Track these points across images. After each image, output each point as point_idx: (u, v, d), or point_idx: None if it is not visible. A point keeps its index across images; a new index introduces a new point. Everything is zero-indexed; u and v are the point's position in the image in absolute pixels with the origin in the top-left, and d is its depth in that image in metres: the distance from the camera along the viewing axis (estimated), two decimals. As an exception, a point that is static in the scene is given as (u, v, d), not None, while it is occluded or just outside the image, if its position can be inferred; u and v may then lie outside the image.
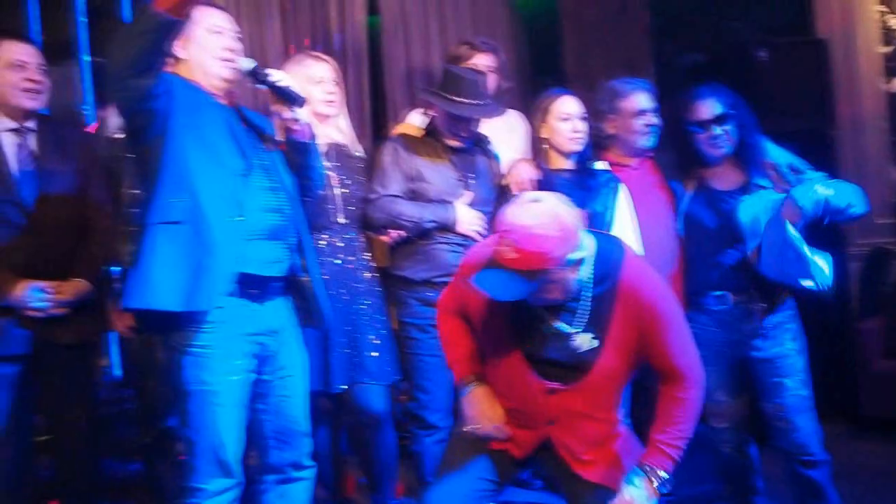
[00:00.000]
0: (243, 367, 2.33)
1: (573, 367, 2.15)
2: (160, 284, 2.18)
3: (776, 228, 2.68)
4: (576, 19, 4.81)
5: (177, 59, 2.38)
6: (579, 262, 2.05)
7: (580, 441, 2.19)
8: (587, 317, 2.12)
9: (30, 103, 2.76)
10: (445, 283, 2.74)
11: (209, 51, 2.38)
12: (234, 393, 2.31)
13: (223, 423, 2.29)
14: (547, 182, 2.89)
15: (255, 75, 2.38)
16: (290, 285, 2.45)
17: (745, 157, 2.85)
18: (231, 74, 2.40)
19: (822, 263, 2.69)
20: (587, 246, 2.09)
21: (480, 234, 2.89)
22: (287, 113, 2.39)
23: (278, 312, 2.43)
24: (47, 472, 2.93)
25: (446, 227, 2.90)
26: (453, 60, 3.31)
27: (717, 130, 2.80)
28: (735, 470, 2.95)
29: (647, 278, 2.18)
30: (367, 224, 2.98)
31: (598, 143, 3.05)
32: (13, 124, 2.77)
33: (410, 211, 2.89)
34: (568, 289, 2.06)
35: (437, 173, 2.94)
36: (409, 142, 3.00)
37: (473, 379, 2.28)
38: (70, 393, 2.83)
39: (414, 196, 2.94)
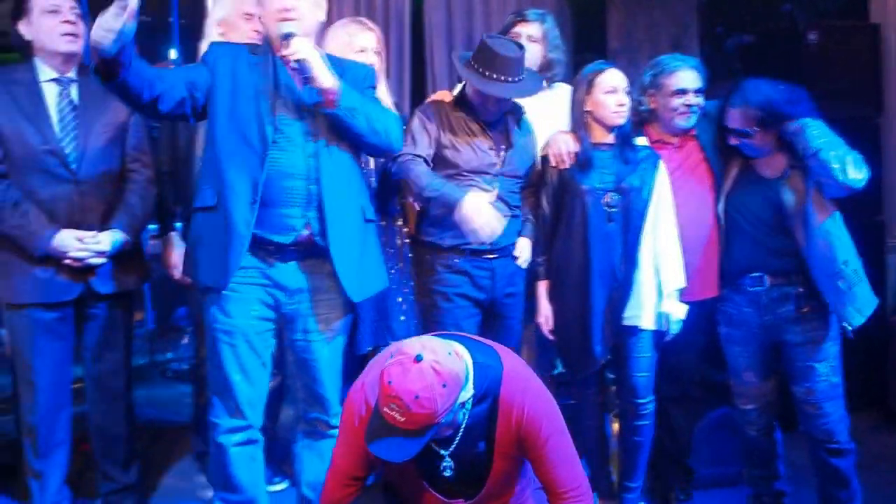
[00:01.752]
0: (255, 315, 2.46)
1: (472, 482, 2.17)
2: (198, 262, 2.48)
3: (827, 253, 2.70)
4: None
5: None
6: (464, 401, 2.03)
7: None
8: (464, 436, 2.09)
9: (68, 47, 2.77)
10: (473, 251, 2.81)
11: (264, 7, 2.42)
12: (245, 337, 2.45)
13: (232, 365, 2.46)
14: (585, 155, 2.88)
15: (285, 39, 2.37)
16: (312, 249, 2.48)
17: (787, 142, 2.80)
18: (276, 31, 2.41)
19: (865, 298, 2.71)
20: (468, 375, 2.04)
21: (475, 231, 2.69)
22: (298, 84, 2.41)
23: (294, 274, 2.49)
24: (82, 417, 3.00)
25: (448, 206, 2.71)
26: (501, 30, 3.28)
27: (762, 112, 2.74)
28: (759, 453, 2.95)
29: (527, 391, 2.13)
30: (388, 183, 2.93)
31: (639, 119, 3.03)
32: (55, 74, 2.79)
33: (421, 177, 2.74)
34: (457, 424, 2.06)
35: (467, 143, 2.84)
36: (440, 108, 2.93)
37: None
38: (107, 342, 2.89)
39: (442, 163, 2.85)
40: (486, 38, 2.86)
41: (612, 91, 2.87)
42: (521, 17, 3.26)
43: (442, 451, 2.12)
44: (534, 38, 3.18)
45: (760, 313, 2.80)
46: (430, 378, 1.92)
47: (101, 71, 2.19)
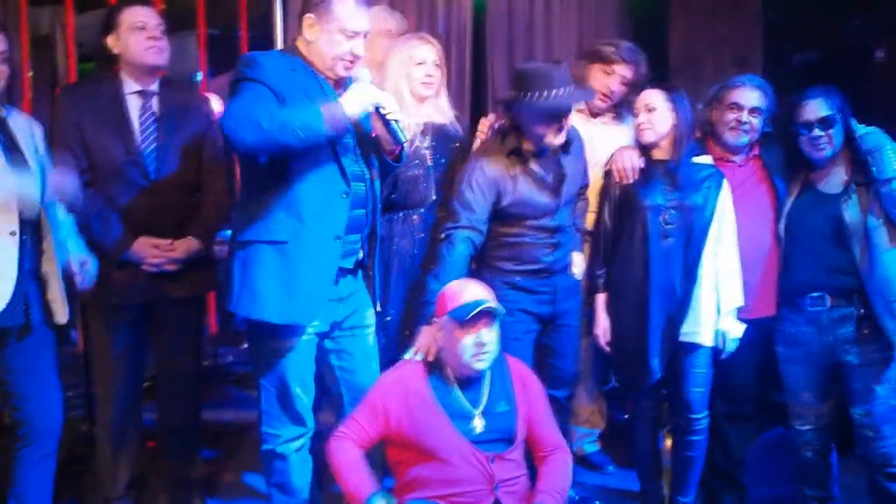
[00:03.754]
0: (316, 329, 2.54)
1: (500, 436, 2.44)
2: (266, 298, 2.44)
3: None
4: (685, 10, 4.74)
5: (304, 39, 2.51)
6: None
7: (518, 499, 2.43)
8: (490, 390, 2.48)
9: (153, 59, 2.90)
10: (531, 272, 2.87)
11: (334, 48, 2.48)
12: (303, 349, 2.53)
13: (293, 376, 2.53)
14: (649, 172, 2.92)
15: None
16: (359, 266, 2.64)
17: (851, 158, 2.80)
18: (345, 74, 2.51)
19: None
20: None
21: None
22: (387, 144, 2.53)
23: (347, 283, 2.60)
24: (150, 415, 3.12)
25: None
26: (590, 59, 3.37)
27: (819, 132, 2.77)
28: (814, 474, 2.93)
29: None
30: None
31: (704, 136, 3.05)
32: (138, 87, 2.93)
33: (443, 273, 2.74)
34: None
35: (528, 190, 2.85)
36: (497, 158, 2.86)
37: (380, 493, 2.39)
38: (178, 343, 3.02)
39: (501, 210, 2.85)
40: (520, 69, 2.91)
41: (646, 110, 2.91)
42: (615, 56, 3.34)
43: (471, 410, 2.43)
44: (626, 80, 3.30)
45: (820, 333, 2.80)
46: None
47: None
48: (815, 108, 2.79)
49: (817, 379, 2.85)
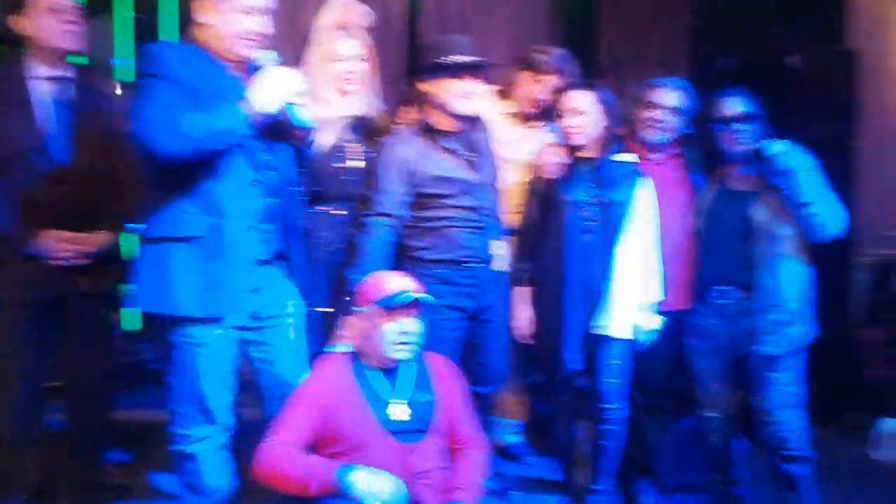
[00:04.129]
0: (230, 323, 2.49)
1: (420, 427, 2.43)
2: (180, 293, 2.40)
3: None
4: (615, 13, 4.86)
5: (199, 22, 2.46)
6: None
7: (435, 492, 2.41)
8: (414, 379, 2.47)
9: (66, 43, 2.80)
10: (453, 262, 2.88)
11: (233, 27, 2.41)
12: (218, 344, 2.47)
13: (206, 373, 2.47)
14: (570, 170, 2.99)
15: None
16: (278, 257, 2.59)
17: (759, 161, 2.92)
18: (248, 55, 2.46)
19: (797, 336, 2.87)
20: None
21: None
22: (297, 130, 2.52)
23: (266, 276, 2.56)
24: (59, 416, 3.01)
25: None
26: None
27: (737, 128, 2.89)
28: (720, 460, 3.05)
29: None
30: None
31: (625, 134, 3.14)
32: (50, 72, 2.81)
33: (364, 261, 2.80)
34: None
35: (436, 163, 2.87)
36: (409, 134, 2.92)
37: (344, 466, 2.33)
38: (88, 340, 2.91)
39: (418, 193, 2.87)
40: (423, 45, 2.96)
41: (573, 112, 2.98)
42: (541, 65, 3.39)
43: (390, 399, 2.42)
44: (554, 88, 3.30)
45: (727, 325, 2.92)
46: None
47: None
48: (734, 104, 2.93)
49: (724, 369, 2.96)
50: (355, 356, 2.48)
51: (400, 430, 2.41)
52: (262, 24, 2.45)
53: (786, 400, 2.86)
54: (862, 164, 4.28)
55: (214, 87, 2.40)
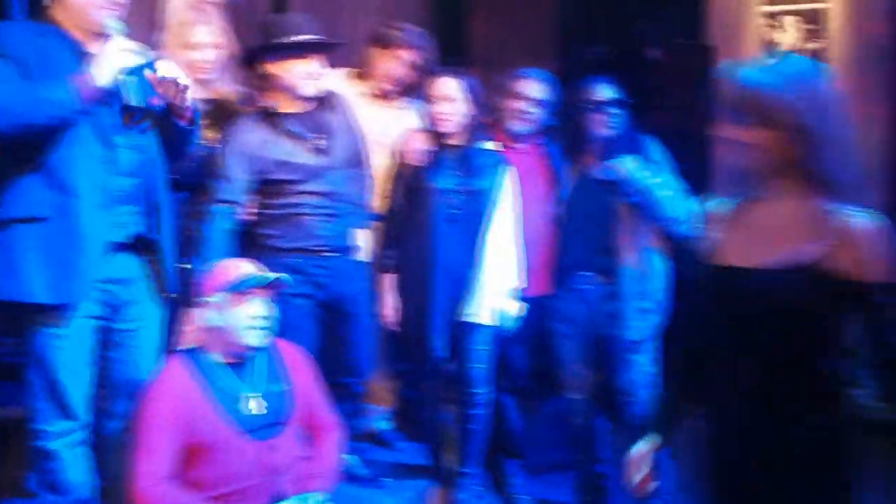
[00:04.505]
0: (87, 313, 2.39)
1: (277, 420, 2.38)
2: (30, 279, 2.29)
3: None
4: (485, 2, 4.92)
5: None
6: None
7: (295, 483, 2.38)
8: (266, 370, 2.41)
9: None
10: (310, 250, 2.83)
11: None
12: (75, 335, 2.38)
13: (63, 365, 2.37)
14: (434, 155, 3.00)
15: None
16: (142, 243, 2.49)
17: (618, 147, 3.01)
18: (99, 24, 2.35)
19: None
20: None
21: None
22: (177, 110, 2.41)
23: (127, 264, 2.47)
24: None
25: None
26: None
27: (610, 111, 2.98)
28: (583, 439, 3.15)
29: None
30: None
31: (492, 123, 3.17)
32: None
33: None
34: None
35: (279, 148, 2.83)
36: (252, 122, 2.86)
37: None
38: None
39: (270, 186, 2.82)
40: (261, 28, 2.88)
41: (442, 99, 3.00)
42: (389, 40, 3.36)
43: (243, 392, 2.34)
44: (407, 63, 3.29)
45: (588, 310, 3.01)
46: None
47: None
48: (604, 90, 3.02)
49: (586, 352, 3.06)
50: (198, 354, 2.37)
51: (257, 427, 2.34)
52: None
53: (645, 380, 2.97)
54: (717, 156, 4.49)
55: (55, 63, 2.29)
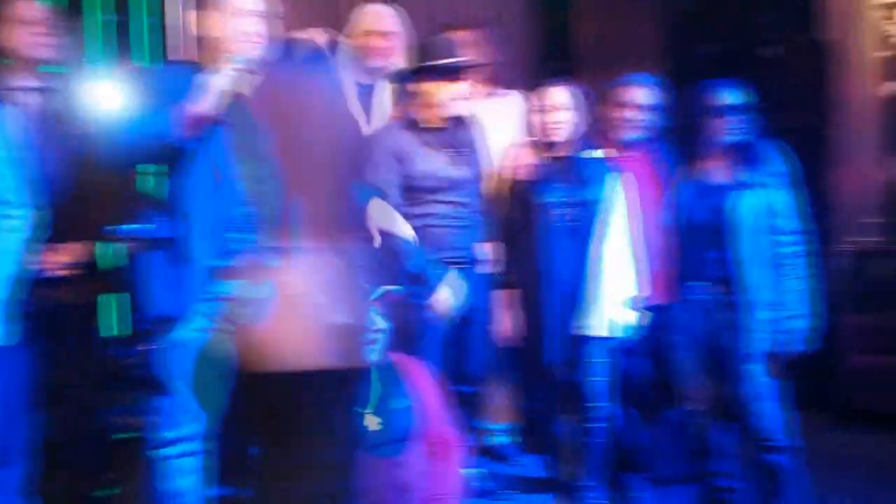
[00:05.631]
0: (203, 325, 2.51)
1: (400, 436, 2.46)
2: (156, 292, 2.47)
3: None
4: (592, 4, 4.87)
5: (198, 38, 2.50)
6: None
7: (428, 499, 2.45)
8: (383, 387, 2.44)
9: (40, 53, 2.86)
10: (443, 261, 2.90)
11: (230, 34, 2.46)
12: (194, 348, 2.50)
13: (181, 375, 2.48)
14: (543, 168, 3.01)
15: None
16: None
17: (740, 154, 2.93)
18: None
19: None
20: None
21: None
22: None
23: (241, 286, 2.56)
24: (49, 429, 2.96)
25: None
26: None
27: (734, 117, 2.89)
28: (709, 451, 3.06)
29: None
30: None
31: (598, 131, 3.15)
32: (24, 83, 2.84)
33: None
34: None
35: (422, 158, 2.95)
36: (395, 129, 3.01)
37: None
38: (74, 351, 2.94)
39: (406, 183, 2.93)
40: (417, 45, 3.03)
41: (554, 108, 2.99)
42: (447, 26, 3.36)
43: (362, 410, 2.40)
44: (467, 44, 3.27)
45: (706, 319, 2.93)
46: None
47: None
48: (729, 94, 2.91)
49: (705, 362, 2.98)
50: None
51: (378, 443, 2.40)
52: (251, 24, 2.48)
53: (763, 391, 2.88)
54: (833, 153, 4.33)
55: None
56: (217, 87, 2.37)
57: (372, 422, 2.42)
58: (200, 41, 2.52)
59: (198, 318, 2.50)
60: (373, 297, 2.44)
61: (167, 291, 2.45)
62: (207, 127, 2.41)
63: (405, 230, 2.89)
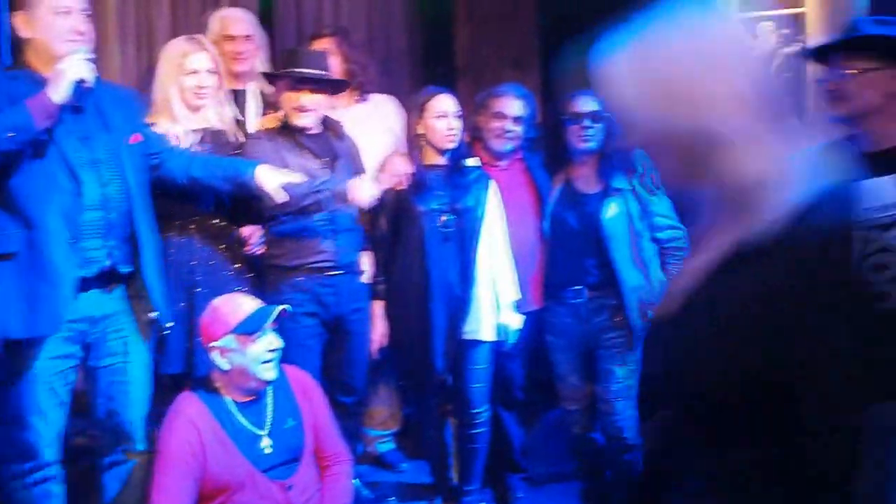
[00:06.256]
0: (57, 353, 2.39)
1: (292, 457, 2.39)
2: (2, 314, 2.29)
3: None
4: (468, 12, 4.92)
5: (22, 39, 2.39)
6: None
7: None
8: (274, 408, 2.41)
9: None
10: (317, 269, 2.88)
11: (56, 33, 2.36)
12: (45, 377, 2.37)
13: (33, 406, 2.37)
14: (420, 177, 3.02)
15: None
16: (116, 277, 2.48)
17: (609, 160, 3.02)
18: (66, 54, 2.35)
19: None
20: None
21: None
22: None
23: (99, 300, 2.46)
24: None
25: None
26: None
27: (588, 124, 2.96)
28: (584, 449, 3.16)
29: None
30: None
31: (472, 140, 3.19)
32: None
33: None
34: None
35: (299, 162, 2.91)
36: (271, 134, 2.97)
37: None
38: None
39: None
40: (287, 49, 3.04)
41: (442, 116, 3.01)
42: (316, 34, 3.53)
43: (259, 432, 2.34)
44: (332, 52, 3.32)
45: (580, 323, 3.02)
46: None
47: None
48: (586, 102, 2.97)
49: (579, 364, 3.07)
50: (211, 394, 2.36)
51: (273, 466, 2.33)
52: (78, 22, 2.39)
53: (624, 392, 2.96)
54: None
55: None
56: (69, 75, 2.30)
57: (266, 443, 2.34)
58: (27, 43, 2.42)
59: (54, 342, 2.36)
60: (270, 316, 2.36)
61: (16, 310, 2.30)
62: (58, 116, 2.32)
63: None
